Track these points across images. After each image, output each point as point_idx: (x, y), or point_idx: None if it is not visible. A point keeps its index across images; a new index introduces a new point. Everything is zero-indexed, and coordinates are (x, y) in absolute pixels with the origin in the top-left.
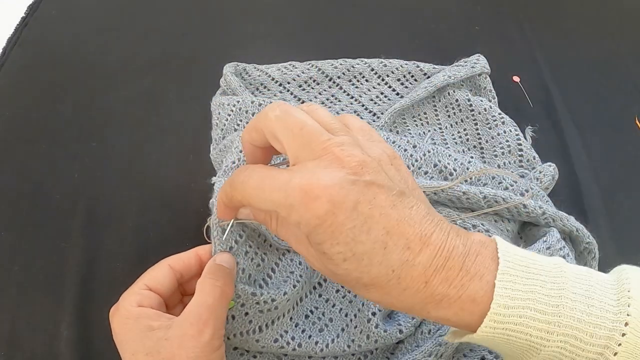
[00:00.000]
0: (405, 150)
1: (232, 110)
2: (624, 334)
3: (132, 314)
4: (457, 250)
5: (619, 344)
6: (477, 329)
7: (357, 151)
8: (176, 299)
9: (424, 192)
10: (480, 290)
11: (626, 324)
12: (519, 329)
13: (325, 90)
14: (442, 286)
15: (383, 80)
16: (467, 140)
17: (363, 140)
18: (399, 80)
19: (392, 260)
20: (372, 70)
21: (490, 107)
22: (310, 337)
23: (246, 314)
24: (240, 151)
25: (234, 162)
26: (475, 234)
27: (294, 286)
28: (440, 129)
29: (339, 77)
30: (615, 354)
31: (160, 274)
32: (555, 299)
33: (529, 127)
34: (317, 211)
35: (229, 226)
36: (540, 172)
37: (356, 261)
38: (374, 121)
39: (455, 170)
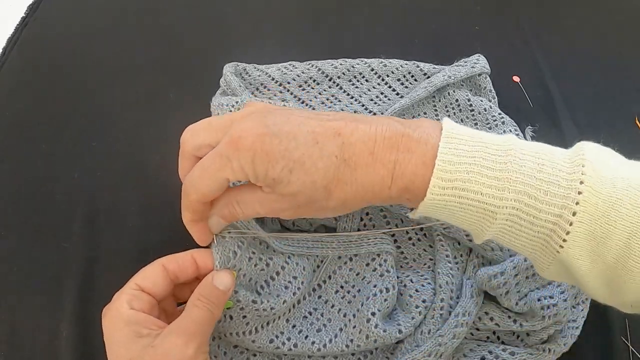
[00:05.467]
0: None
1: (231, 111)
2: (580, 192)
3: (123, 317)
4: (394, 126)
5: (577, 203)
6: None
7: (261, 103)
8: (171, 304)
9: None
10: (427, 152)
11: (581, 182)
12: (468, 187)
13: (325, 90)
14: (389, 153)
15: (383, 80)
16: None
17: None
18: (399, 80)
19: (330, 149)
20: (372, 70)
21: (490, 107)
22: (307, 337)
23: (244, 316)
24: None
25: None
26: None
27: (294, 294)
28: None
29: (339, 77)
30: (574, 213)
31: (153, 273)
32: (503, 157)
33: (529, 127)
34: (245, 145)
35: (222, 233)
36: None
37: (300, 166)
38: None
39: None
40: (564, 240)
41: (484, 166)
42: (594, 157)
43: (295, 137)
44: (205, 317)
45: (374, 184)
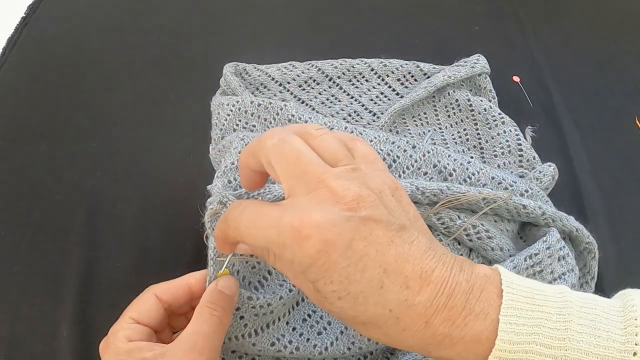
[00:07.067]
0: (405, 150)
1: (232, 111)
2: None
3: (124, 350)
4: (460, 287)
5: None
6: None
7: (354, 184)
8: (163, 322)
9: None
10: (485, 330)
11: (634, 354)
12: None
13: (325, 90)
14: (443, 326)
15: (383, 80)
16: (467, 140)
17: (365, 169)
18: (399, 80)
19: (390, 299)
20: (372, 70)
21: (490, 107)
22: (308, 340)
23: (241, 317)
24: (240, 152)
25: (232, 163)
26: (480, 266)
27: (290, 290)
28: (440, 129)
29: (339, 77)
30: None
31: (147, 305)
32: (561, 332)
33: (529, 127)
34: (309, 250)
35: (228, 259)
36: (540, 172)
37: (351, 300)
38: (374, 121)
39: (455, 170)
40: None
41: (543, 344)
42: None
43: (365, 267)
44: (213, 326)
45: (417, 348)
